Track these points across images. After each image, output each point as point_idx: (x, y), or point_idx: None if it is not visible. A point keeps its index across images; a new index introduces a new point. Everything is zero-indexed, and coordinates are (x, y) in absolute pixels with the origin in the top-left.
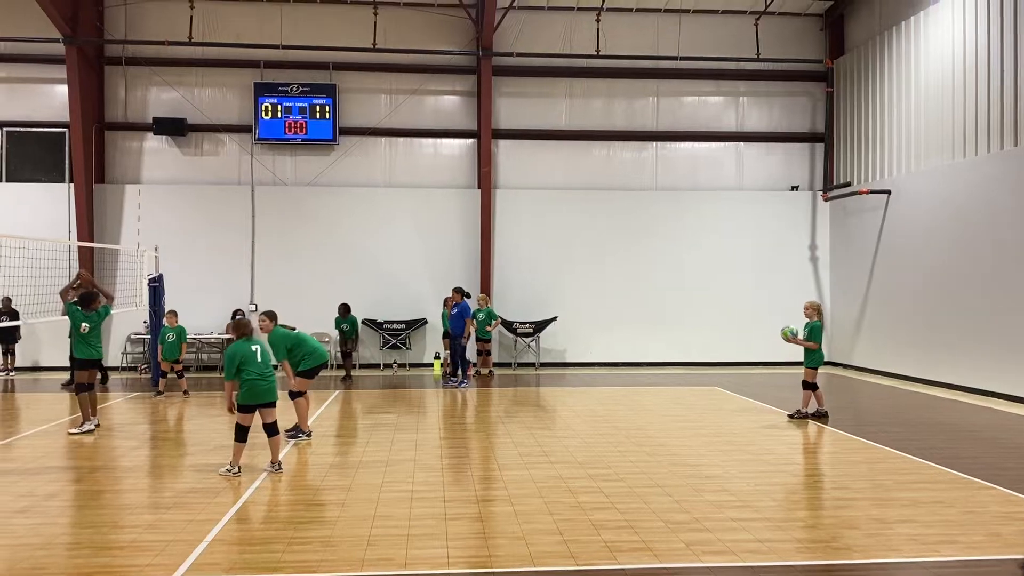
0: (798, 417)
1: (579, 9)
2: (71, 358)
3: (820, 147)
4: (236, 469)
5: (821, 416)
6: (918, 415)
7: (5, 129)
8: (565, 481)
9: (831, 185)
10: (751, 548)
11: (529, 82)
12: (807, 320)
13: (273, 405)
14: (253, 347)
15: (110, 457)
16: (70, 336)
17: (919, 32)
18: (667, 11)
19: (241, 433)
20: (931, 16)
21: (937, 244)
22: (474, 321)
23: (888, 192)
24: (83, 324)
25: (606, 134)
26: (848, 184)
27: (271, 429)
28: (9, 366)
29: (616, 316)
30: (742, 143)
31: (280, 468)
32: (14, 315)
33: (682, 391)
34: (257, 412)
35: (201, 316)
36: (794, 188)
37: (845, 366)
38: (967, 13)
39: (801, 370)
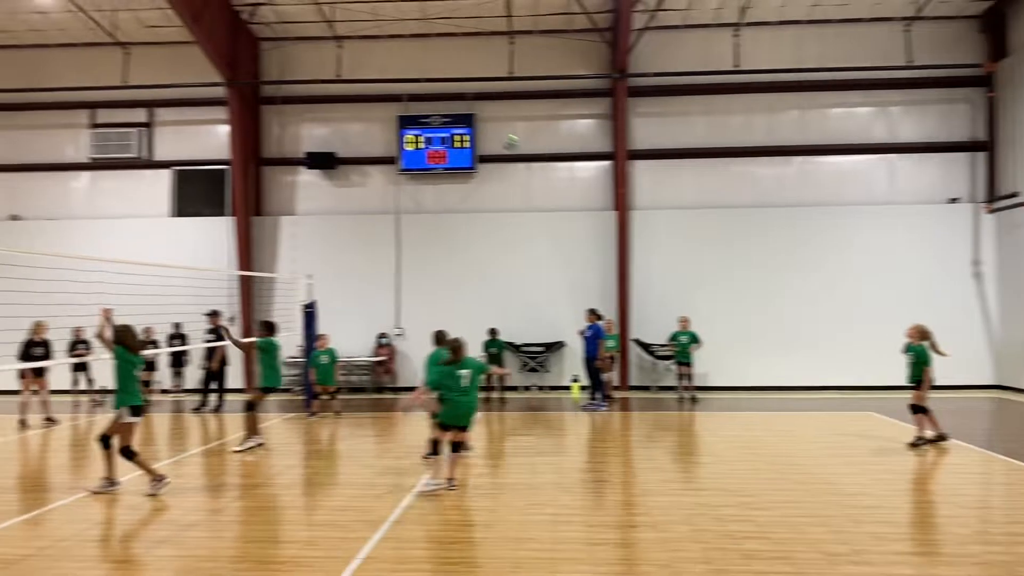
0: (920, 444)
1: (716, 25)
2: (262, 386)
3: (982, 156)
4: (446, 483)
5: (941, 439)
6: None
7: (175, 168)
8: (712, 508)
9: (995, 196)
10: None
11: (664, 101)
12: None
13: (466, 428)
14: (462, 371)
15: (269, 475)
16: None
17: None
18: (809, 22)
19: (438, 447)
20: None
21: None
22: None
23: None
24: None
25: (745, 150)
26: (1015, 194)
27: (457, 447)
28: (179, 387)
29: (761, 338)
30: (893, 155)
31: (454, 485)
32: (183, 339)
33: (834, 417)
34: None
35: (350, 339)
36: (953, 200)
37: (1016, 390)
38: None
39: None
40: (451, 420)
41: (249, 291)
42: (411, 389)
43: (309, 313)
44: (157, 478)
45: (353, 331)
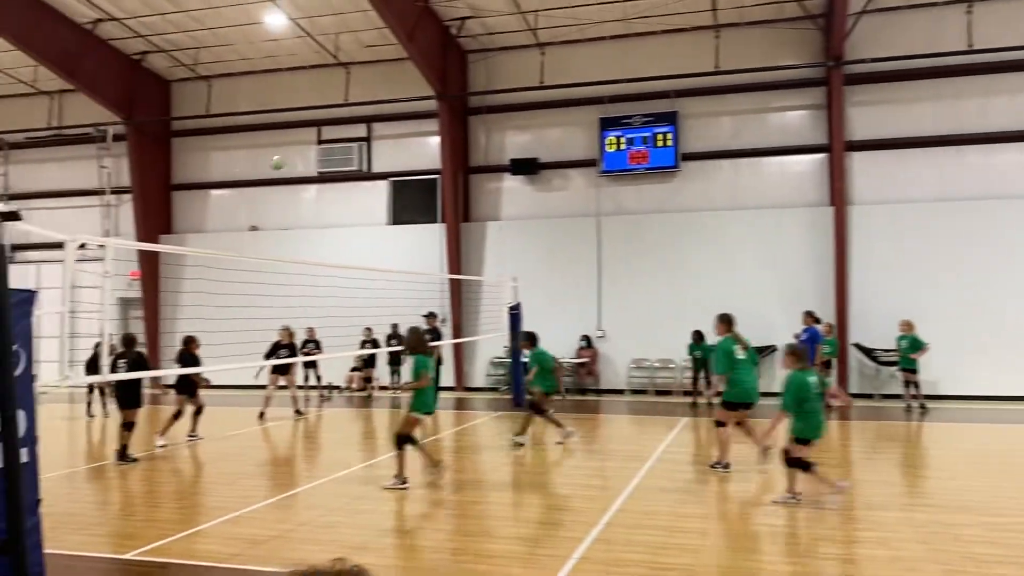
0: None
1: (945, 3)
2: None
3: None
4: (794, 496)
5: None
6: None
7: (391, 179)
8: (950, 527)
9: None
10: None
11: (885, 88)
12: None
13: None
14: (811, 378)
15: (481, 471)
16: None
17: None
18: None
19: (802, 464)
20: None
21: None
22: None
23: None
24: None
25: (981, 137)
26: None
27: (797, 462)
28: (396, 384)
29: (1005, 343)
30: None
31: (798, 499)
32: (400, 339)
33: None
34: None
35: (552, 341)
36: None
37: None
38: None
39: None
40: (810, 433)
41: (459, 294)
42: (615, 392)
43: (515, 315)
44: (434, 463)
45: (556, 333)
